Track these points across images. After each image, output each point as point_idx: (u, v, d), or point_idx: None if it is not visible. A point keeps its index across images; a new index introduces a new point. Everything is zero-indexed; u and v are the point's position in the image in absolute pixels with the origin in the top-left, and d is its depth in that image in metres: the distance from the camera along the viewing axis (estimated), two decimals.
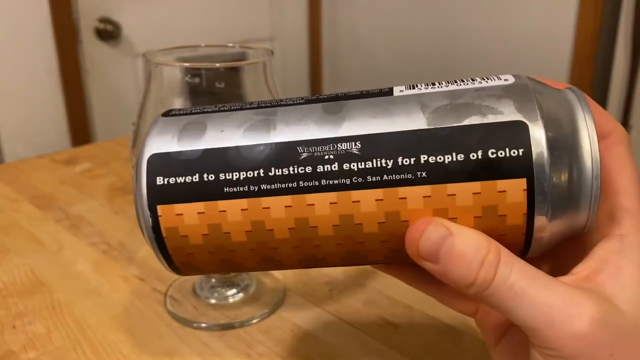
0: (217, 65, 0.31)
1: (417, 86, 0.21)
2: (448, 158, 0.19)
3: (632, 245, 0.20)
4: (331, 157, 0.19)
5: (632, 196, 0.21)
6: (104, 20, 1.44)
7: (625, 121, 1.43)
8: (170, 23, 1.55)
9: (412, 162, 0.19)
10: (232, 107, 0.22)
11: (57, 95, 1.40)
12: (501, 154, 0.19)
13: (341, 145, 0.20)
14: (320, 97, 0.22)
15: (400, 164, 0.19)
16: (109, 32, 1.44)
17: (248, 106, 0.22)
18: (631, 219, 0.20)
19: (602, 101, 1.43)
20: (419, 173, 0.19)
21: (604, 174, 0.21)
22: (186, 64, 0.32)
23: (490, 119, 0.19)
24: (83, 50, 1.43)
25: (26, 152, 1.37)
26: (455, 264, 0.19)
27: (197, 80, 0.32)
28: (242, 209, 0.20)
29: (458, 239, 0.19)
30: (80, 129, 1.45)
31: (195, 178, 0.20)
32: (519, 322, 0.19)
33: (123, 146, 0.71)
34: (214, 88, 0.32)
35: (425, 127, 0.19)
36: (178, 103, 0.33)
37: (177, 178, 0.21)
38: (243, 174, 0.20)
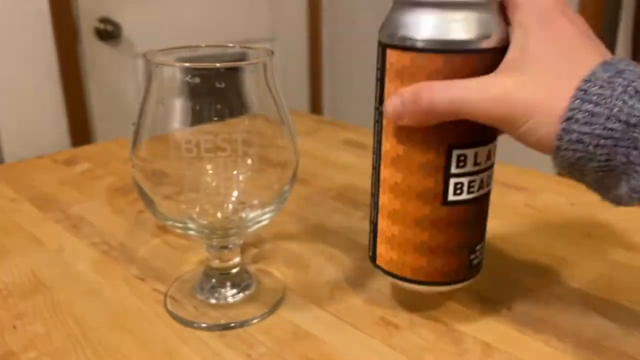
0: (218, 65, 0.31)
1: None
2: None
3: (523, 24, 0.29)
4: None
5: None
6: (104, 20, 1.44)
7: None
8: (170, 23, 1.55)
9: None
10: None
11: (57, 96, 1.40)
12: None
13: None
14: None
15: None
16: (109, 33, 1.44)
17: None
18: (522, 5, 0.29)
19: None
20: None
21: None
22: (186, 64, 0.32)
23: None
24: (83, 50, 1.43)
25: (26, 152, 1.37)
26: (403, 113, 0.30)
27: (197, 80, 0.32)
28: None
29: (397, 97, 0.30)
30: (80, 129, 1.45)
31: None
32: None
33: (123, 146, 0.71)
34: (215, 88, 0.32)
35: None
36: (178, 103, 0.33)
37: None
38: None
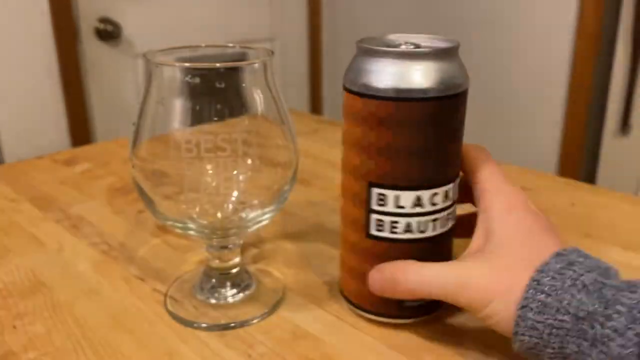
0: (218, 65, 0.31)
1: None
2: None
3: (489, 211, 0.33)
4: None
5: (489, 181, 0.34)
6: (104, 20, 1.44)
7: (625, 121, 1.43)
8: (170, 23, 1.55)
9: None
10: None
11: (57, 96, 1.40)
12: None
13: None
14: None
15: None
16: (109, 33, 1.44)
17: None
18: (489, 194, 0.33)
19: (602, 101, 1.43)
20: None
21: (471, 171, 0.35)
22: (186, 64, 0.32)
23: None
24: (83, 50, 1.43)
25: (26, 152, 1.37)
26: (384, 291, 0.33)
27: (197, 80, 0.32)
28: None
29: (377, 274, 0.33)
30: (80, 129, 1.45)
31: None
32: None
33: (123, 146, 0.71)
34: (215, 88, 0.32)
35: None
36: (178, 103, 0.33)
37: None
38: None
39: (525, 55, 1.46)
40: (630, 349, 0.25)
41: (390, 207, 0.32)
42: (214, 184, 0.34)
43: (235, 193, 0.36)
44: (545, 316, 0.27)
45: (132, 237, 0.48)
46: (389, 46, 0.32)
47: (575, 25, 1.36)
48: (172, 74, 0.33)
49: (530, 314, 0.28)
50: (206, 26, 1.65)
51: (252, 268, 0.42)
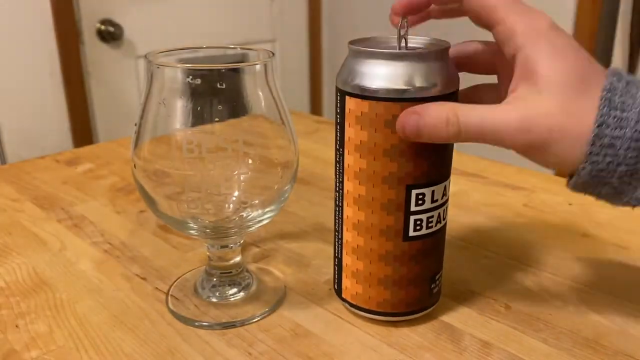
0: (219, 66, 0.32)
1: None
2: None
3: (524, 50, 0.29)
4: None
5: (517, 22, 0.29)
6: (106, 21, 1.44)
7: None
8: (171, 25, 1.56)
9: None
10: None
11: (59, 96, 1.40)
12: None
13: None
14: None
15: None
16: (110, 34, 1.45)
17: None
18: (518, 35, 0.29)
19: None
20: None
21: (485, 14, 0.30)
22: (187, 66, 0.32)
23: None
24: (85, 51, 1.43)
25: (28, 152, 1.37)
26: (432, 133, 0.29)
27: (198, 81, 0.32)
28: None
29: (425, 117, 0.29)
30: (82, 130, 1.45)
31: None
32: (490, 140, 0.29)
33: (125, 147, 0.72)
34: (216, 89, 0.32)
35: None
36: (179, 104, 0.33)
37: None
38: None
39: None
40: None
41: (427, 205, 0.33)
42: (215, 183, 0.35)
43: (236, 193, 0.36)
44: (623, 130, 0.27)
45: (134, 237, 0.48)
46: (387, 48, 0.32)
47: (573, 28, 1.36)
48: (174, 75, 0.33)
49: (607, 130, 0.27)
50: (207, 28, 1.65)
51: (252, 267, 0.42)
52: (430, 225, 0.33)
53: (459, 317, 0.37)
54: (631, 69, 1.36)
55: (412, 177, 0.32)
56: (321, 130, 0.78)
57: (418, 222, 0.33)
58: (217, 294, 0.38)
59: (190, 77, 0.32)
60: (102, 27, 1.44)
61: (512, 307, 0.37)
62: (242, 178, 0.35)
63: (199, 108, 0.33)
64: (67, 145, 1.43)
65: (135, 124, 0.34)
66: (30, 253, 0.45)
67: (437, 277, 0.36)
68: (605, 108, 0.27)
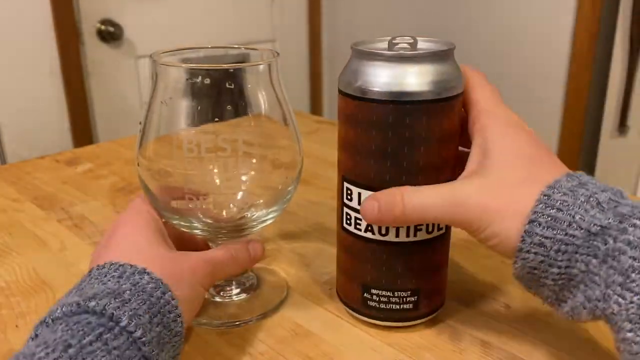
0: (224, 66, 0.32)
1: None
2: None
3: (486, 132, 0.30)
4: None
5: (485, 101, 0.31)
6: (106, 21, 1.44)
7: (622, 121, 1.43)
8: (171, 25, 1.56)
9: None
10: None
11: (59, 96, 1.40)
12: None
13: None
14: None
15: None
16: (110, 34, 1.45)
17: None
18: (485, 115, 0.31)
19: (600, 102, 1.43)
20: None
21: (467, 93, 0.32)
22: (192, 65, 0.32)
23: None
24: (85, 51, 1.43)
25: (28, 152, 1.37)
26: (384, 217, 0.30)
27: (202, 81, 0.32)
28: None
29: (380, 201, 0.30)
30: (82, 130, 1.45)
31: None
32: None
33: (125, 147, 0.72)
34: (220, 89, 0.32)
35: None
36: (183, 103, 0.33)
37: None
38: None
39: (524, 56, 1.46)
40: None
41: (355, 203, 0.33)
42: (217, 183, 0.35)
43: (240, 193, 0.36)
44: (555, 231, 0.26)
45: None
46: (382, 49, 0.32)
47: (573, 26, 1.36)
48: (178, 74, 0.33)
49: (538, 229, 0.26)
50: (207, 28, 1.65)
51: (255, 266, 0.42)
52: (358, 227, 0.33)
53: (459, 317, 0.37)
54: (631, 69, 1.36)
55: (344, 169, 0.33)
56: (321, 130, 0.78)
57: (348, 217, 0.34)
58: (222, 293, 0.38)
59: (195, 76, 0.32)
60: (102, 27, 1.44)
61: (512, 307, 0.38)
62: (245, 178, 0.35)
63: (202, 107, 0.33)
64: (67, 145, 1.43)
65: (140, 123, 0.35)
66: (31, 253, 0.45)
67: (374, 291, 0.34)
68: (541, 205, 0.26)
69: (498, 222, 0.28)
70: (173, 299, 0.28)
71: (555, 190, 0.27)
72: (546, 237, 0.26)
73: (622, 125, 1.43)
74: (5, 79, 1.32)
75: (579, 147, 1.48)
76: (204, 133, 0.33)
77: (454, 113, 0.31)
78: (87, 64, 1.44)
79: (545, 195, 0.27)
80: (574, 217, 0.26)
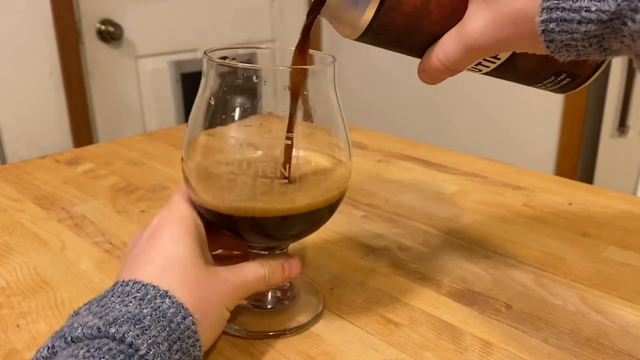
0: (281, 67, 0.31)
1: None
2: None
3: None
4: None
5: None
6: (106, 22, 1.44)
7: (622, 121, 1.43)
8: (171, 25, 1.56)
9: None
10: None
11: (59, 96, 1.40)
12: None
13: None
14: None
15: None
16: (110, 34, 1.45)
17: None
18: None
19: (600, 102, 1.44)
20: None
21: None
22: (246, 65, 0.31)
23: None
24: (85, 51, 1.43)
25: (28, 152, 1.37)
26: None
27: (255, 80, 0.31)
28: None
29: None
30: (82, 130, 1.45)
31: None
32: None
33: (125, 147, 0.72)
34: (274, 88, 0.32)
35: None
36: (233, 101, 0.32)
37: None
38: None
39: None
40: None
41: None
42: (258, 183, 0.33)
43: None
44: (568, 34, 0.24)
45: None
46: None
47: None
48: (230, 73, 0.32)
49: (554, 29, 0.24)
50: (207, 28, 1.65)
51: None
52: None
53: (460, 317, 0.37)
54: (631, 69, 1.36)
55: None
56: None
57: None
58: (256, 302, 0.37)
59: (247, 75, 0.31)
60: (102, 27, 1.44)
61: (513, 307, 0.38)
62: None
63: (252, 106, 0.32)
64: (67, 145, 1.43)
65: (189, 119, 0.34)
66: (31, 253, 0.45)
67: None
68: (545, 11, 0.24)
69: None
70: (193, 324, 0.28)
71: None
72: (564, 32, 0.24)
73: (622, 125, 1.43)
74: (5, 79, 1.32)
75: (579, 147, 1.48)
76: (249, 131, 0.32)
77: None
78: (87, 64, 1.44)
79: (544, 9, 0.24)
80: (581, 14, 0.23)
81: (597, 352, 0.33)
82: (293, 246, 0.46)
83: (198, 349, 0.28)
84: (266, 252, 0.36)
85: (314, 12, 0.31)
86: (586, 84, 0.33)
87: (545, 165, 1.54)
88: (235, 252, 0.39)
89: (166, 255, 0.31)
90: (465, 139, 1.70)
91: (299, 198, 0.32)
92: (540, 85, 0.34)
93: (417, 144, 0.73)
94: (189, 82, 1.62)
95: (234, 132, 0.32)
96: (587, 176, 1.53)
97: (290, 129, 0.32)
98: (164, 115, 1.63)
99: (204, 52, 0.33)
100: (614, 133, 1.45)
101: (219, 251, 0.38)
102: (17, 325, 0.36)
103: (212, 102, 0.33)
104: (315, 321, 0.36)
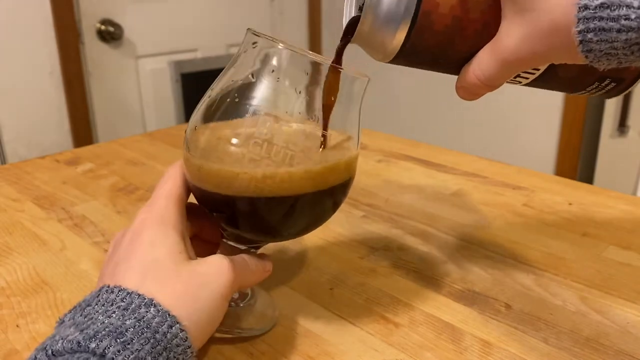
0: (318, 60, 0.32)
1: None
2: None
3: None
4: None
5: None
6: (106, 21, 1.44)
7: (622, 121, 1.43)
8: (171, 25, 1.56)
9: None
10: None
11: (59, 96, 1.40)
12: None
13: None
14: None
15: None
16: (110, 34, 1.45)
17: None
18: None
19: (600, 102, 1.44)
20: None
21: None
22: (310, 55, 0.32)
23: None
24: (85, 51, 1.43)
25: (28, 152, 1.37)
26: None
27: (310, 70, 0.32)
28: None
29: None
30: (82, 130, 1.45)
31: None
32: None
33: (125, 147, 0.72)
34: (316, 84, 0.32)
35: None
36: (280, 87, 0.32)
37: None
38: None
39: None
40: None
41: None
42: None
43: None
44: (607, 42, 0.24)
45: None
46: None
47: None
48: (293, 61, 0.32)
49: (590, 35, 0.24)
50: (207, 28, 1.65)
51: None
52: None
53: (460, 317, 0.37)
54: None
55: None
56: None
57: None
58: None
59: (304, 64, 0.32)
60: (102, 27, 1.44)
61: (513, 307, 0.38)
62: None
63: (287, 96, 0.32)
64: (67, 145, 1.43)
65: (209, 97, 0.33)
66: (31, 253, 0.45)
67: None
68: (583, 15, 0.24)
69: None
70: (182, 331, 0.28)
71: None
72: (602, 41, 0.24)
73: (622, 125, 1.44)
74: (5, 79, 1.32)
75: (579, 147, 1.48)
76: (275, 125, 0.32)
77: None
78: (87, 64, 1.44)
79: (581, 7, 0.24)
80: (620, 22, 0.23)
81: (597, 352, 0.33)
82: (292, 246, 0.46)
83: (189, 354, 0.28)
84: (243, 247, 0.35)
85: (343, 40, 0.31)
86: (632, 87, 0.33)
87: (545, 165, 1.55)
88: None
89: (145, 261, 0.30)
90: (465, 139, 1.70)
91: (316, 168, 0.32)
92: (583, 92, 0.33)
93: (417, 144, 0.73)
94: (189, 82, 1.62)
95: (262, 108, 0.32)
96: (587, 176, 1.53)
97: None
98: (164, 115, 1.63)
99: (250, 31, 0.32)
100: (614, 133, 1.45)
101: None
102: (17, 326, 0.36)
103: (253, 79, 0.32)
104: (266, 328, 0.36)
